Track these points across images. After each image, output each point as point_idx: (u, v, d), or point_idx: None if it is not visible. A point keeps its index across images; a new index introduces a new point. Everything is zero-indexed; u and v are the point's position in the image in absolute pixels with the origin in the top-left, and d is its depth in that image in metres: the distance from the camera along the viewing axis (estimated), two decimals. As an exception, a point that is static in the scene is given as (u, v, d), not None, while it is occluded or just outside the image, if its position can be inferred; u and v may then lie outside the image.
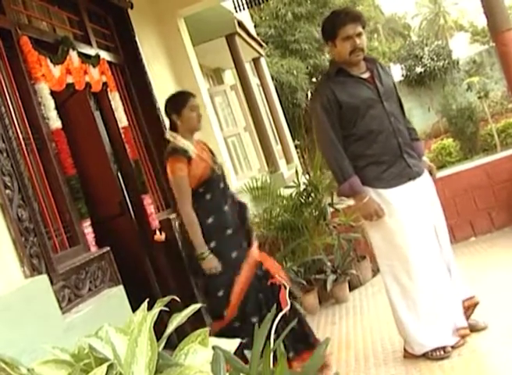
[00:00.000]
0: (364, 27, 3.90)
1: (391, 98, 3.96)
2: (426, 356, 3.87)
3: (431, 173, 4.13)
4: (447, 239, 4.03)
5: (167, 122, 4.31)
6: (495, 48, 6.93)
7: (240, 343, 3.73)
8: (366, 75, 3.95)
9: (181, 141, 4.05)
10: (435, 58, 26.58)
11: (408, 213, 3.85)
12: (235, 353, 3.61)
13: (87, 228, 3.81)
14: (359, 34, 3.85)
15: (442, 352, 3.81)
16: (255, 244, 4.23)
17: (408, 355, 3.98)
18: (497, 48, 6.35)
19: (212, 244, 3.99)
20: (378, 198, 3.88)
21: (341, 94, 3.86)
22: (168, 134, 4.14)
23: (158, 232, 4.80)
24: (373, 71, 3.96)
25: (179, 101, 4.17)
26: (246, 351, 3.52)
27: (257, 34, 16.87)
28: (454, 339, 3.87)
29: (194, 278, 4.35)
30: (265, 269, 4.13)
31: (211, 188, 4.07)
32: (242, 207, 4.30)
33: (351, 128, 3.90)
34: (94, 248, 3.79)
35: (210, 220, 4.03)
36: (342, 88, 3.89)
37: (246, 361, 3.43)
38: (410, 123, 4.19)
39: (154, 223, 4.82)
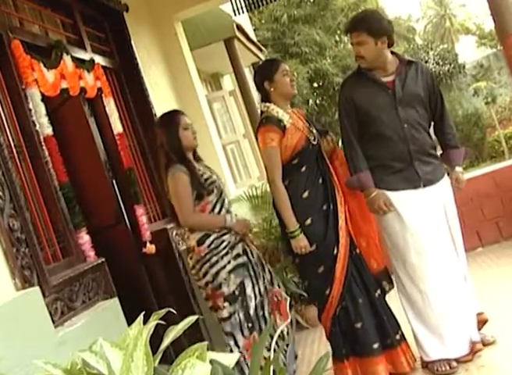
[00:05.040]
0: (371, 33, 3.81)
1: (411, 104, 3.89)
2: (430, 370, 3.81)
3: (458, 185, 4.04)
4: (462, 249, 3.96)
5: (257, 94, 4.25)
6: (503, 52, 6.84)
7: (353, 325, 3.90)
8: (389, 78, 3.90)
9: (275, 110, 3.97)
10: (441, 63, 26.60)
11: (412, 219, 3.81)
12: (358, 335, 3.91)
13: (84, 237, 3.72)
14: (358, 43, 3.84)
15: (447, 367, 3.75)
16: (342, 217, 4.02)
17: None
18: (505, 51, 6.19)
19: (308, 221, 3.90)
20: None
21: (357, 96, 3.89)
22: (262, 106, 4.05)
23: (148, 244, 4.67)
24: (400, 75, 3.90)
25: (271, 66, 4.08)
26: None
27: (257, 38, 16.83)
28: (461, 352, 3.79)
29: (291, 257, 4.16)
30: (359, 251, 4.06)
31: (306, 160, 3.95)
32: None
33: (364, 129, 3.91)
34: (92, 257, 3.71)
35: (305, 194, 3.92)
36: (358, 90, 3.92)
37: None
38: (451, 129, 4.11)
39: (146, 234, 4.70)
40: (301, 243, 3.87)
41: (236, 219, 3.86)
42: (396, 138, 3.84)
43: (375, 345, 3.87)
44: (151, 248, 4.66)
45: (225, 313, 3.71)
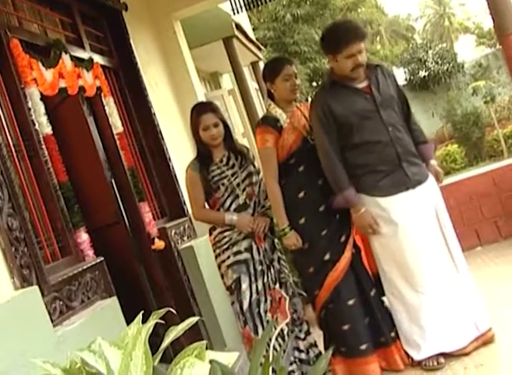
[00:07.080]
0: (364, 39, 3.86)
1: (390, 107, 3.90)
2: (421, 366, 3.86)
3: (437, 179, 4.05)
4: (457, 247, 3.96)
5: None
6: (502, 51, 6.84)
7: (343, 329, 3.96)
8: (363, 84, 3.90)
9: (274, 109, 4.03)
10: (440, 62, 26.52)
11: (406, 222, 3.82)
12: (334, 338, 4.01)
13: (83, 236, 3.72)
14: (361, 51, 3.81)
15: (435, 363, 3.80)
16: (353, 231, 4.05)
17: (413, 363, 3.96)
18: (504, 50, 6.22)
19: (302, 221, 3.94)
20: (376, 206, 3.86)
21: (336, 106, 3.85)
22: (265, 102, 4.16)
23: (156, 239, 4.69)
24: (372, 79, 3.90)
25: (274, 68, 4.08)
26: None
27: (256, 37, 16.82)
28: (457, 346, 3.83)
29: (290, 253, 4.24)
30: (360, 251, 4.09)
31: (303, 160, 3.97)
32: None
33: (348, 139, 3.87)
34: (91, 257, 3.70)
35: (301, 194, 3.95)
36: (336, 100, 3.87)
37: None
38: (416, 125, 4.12)
39: (154, 230, 4.72)
40: (290, 241, 3.92)
41: (237, 216, 3.91)
42: (383, 142, 3.83)
43: (363, 347, 3.88)
44: (159, 245, 4.69)
45: (230, 299, 3.96)
